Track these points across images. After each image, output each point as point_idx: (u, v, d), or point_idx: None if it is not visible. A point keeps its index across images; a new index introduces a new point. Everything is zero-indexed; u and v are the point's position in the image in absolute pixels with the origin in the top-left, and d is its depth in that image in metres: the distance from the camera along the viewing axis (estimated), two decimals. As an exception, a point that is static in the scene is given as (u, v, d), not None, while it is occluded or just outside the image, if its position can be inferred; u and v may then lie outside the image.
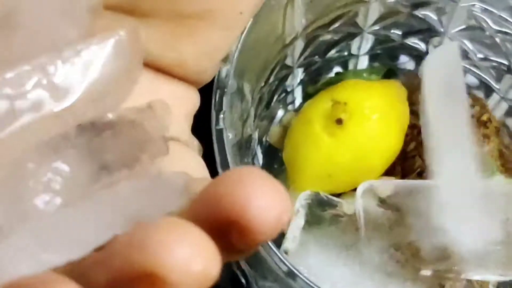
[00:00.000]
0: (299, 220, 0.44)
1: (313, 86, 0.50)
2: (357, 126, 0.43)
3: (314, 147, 0.43)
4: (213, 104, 0.35)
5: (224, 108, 0.35)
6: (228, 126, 0.36)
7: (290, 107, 0.50)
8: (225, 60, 0.36)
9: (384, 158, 0.43)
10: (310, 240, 0.44)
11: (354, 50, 0.48)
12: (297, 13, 0.41)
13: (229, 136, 0.36)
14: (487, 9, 0.43)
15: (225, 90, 0.36)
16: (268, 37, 0.41)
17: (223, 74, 0.36)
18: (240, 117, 0.40)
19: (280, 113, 0.49)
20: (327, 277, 0.43)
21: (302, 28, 0.43)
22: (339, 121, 0.42)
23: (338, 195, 0.45)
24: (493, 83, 0.47)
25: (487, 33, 0.44)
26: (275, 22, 0.40)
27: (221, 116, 0.35)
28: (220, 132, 0.35)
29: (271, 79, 0.44)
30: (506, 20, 0.43)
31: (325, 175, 0.43)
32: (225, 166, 0.35)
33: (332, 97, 0.43)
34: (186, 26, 0.32)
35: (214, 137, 0.35)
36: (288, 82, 0.47)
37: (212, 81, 0.36)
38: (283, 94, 0.48)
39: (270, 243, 0.34)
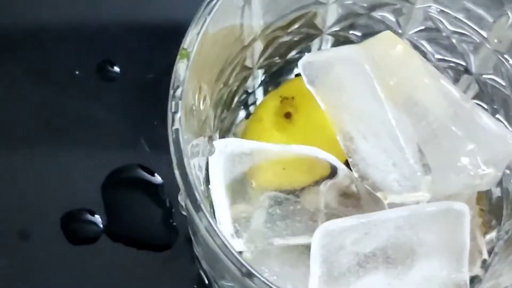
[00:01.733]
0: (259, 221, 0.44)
1: (274, 87, 0.50)
2: (304, 118, 0.45)
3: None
4: (169, 105, 0.36)
5: (180, 108, 0.35)
6: (185, 127, 0.36)
7: (251, 108, 0.50)
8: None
9: (333, 147, 0.43)
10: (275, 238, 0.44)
11: (314, 51, 0.49)
12: (255, 14, 0.41)
13: (186, 137, 0.36)
14: (443, 10, 0.44)
15: (182, 90, 0.36)
16: (226, 38, 0.41)
17: (180, 74, 0.36)
18: (199, 119, 0.40)
19: (241, 114, 0.49)
20: (288, 277, 0.43)
21: (261, 30, 0.43)
22: (288, 115, 0.45)
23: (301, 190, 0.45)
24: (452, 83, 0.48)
25: (444, 34, 0.45)
26: (233, 23, 0.40)
27: (178, 116, 0.35)
28: (176, 132, 0.35)
29: (231, 80, 0.44)
30: (462, 21, 0.44)
31: (280, 170, 0.43)
32: (182, 167, 0.35)
33: (280, 95, 0.46)
34: None
35: (170, 138, 0.35)
36: (248, 83, 0.47)
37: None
38: (244, 95, 0.48)
39: (227, 243, 0.34)
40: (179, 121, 0.35)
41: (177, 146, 0.35)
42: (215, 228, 0.35)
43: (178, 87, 0.36)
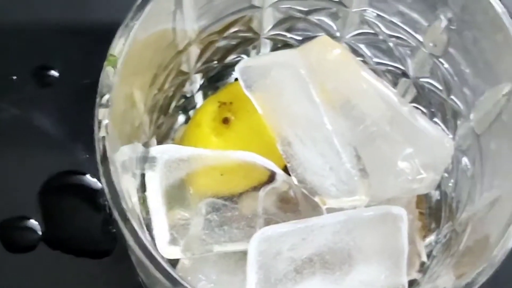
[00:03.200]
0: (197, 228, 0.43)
1: (214, 91, 0.50)
2: (242, 123, 0.45)
3: (204, 148, 0.44)
4: (96, 112, 0.35)
5: (107, 116, 0.35)
6: (115, 134, 0.36)
7: (191, 112, 0.49)
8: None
9: (270, 152, 0.43)
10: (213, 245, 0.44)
11: (252, 55, 0.48)
12: (188, 19, 0.41)
13: (115, 145, 0.36)
14: (378, 14, 0.44)
15: (109, 97, 0.35)
16: (159, 43, 0.40)
17: (107, 81, 0.35)
18: (132, 125, 0.40)
19: (181, 118, 0.49)
20: (226, 285, 0.43)
21: (196, 34, 0.43)
22: (226, 120, 0.45)
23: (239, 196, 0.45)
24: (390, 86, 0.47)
25: (381, 37, 0.45)
26: (165, 28, 0.40)
27: (104, 123, 0.35)
28: (103, 140, 0.35)
29: (167, 86, 0.44)
30: (397, 25, 0.44)
31: (217, 175, 0.43)
32: (108, 175, 0.34)
33: (219, 100, 0.45)
34: None
35: (96, 145, 0.35)
36: (186, 88, 0.47)
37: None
38: (182, 100, 0.48)
39: (155, 254, 0.34)
40: (105, 129, 0.35)
41: (103, 154, 0.35)
42: (142, 238, 0.34)
43: (104, 94, 0.35)
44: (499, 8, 0.37)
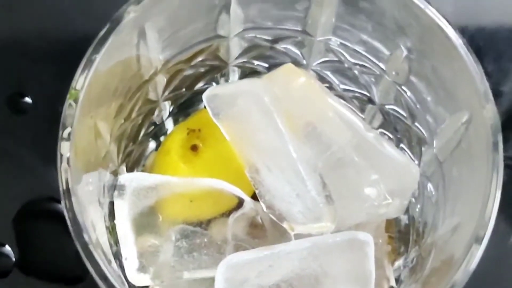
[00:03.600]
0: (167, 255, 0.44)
1: (184, 117, 0.50)
2: (211, 150, 0.45)
3: (173, 175, 0.44)
4: (58, 145, 0.35)
5: (69, 149, 0.35)
6: (78, 166, 0.36)
7: (162, 138, 0.50)
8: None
9: (239, 179, 0.43)
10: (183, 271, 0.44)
11: (221, 82, 0.49)
12: (153, 50, 0.41)
13: (80, 176, 0.36)
14: (342, 43, 0.44)
15: (70, 131, 0.36)
16: (123, 74, 0.41)
17: (68, 115, 0.36)
18: (97, 155, 0.40)
19: (152, 145, 0.49)
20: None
21: (162, 64, 0.43)
22: (194, 148, 0.45)
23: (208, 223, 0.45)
24: (358, 113, 0.48)
25: (346, 65, 0.46)
26: (129, 60, 0.40)
27: (66, 157, 0.35)
28: (65, 173, 0.35)
29: (134, 114, 0.44)
30: (361, 53, 0.44)
31: (186, 202, 0.43)
32: (71, 208, 0.35)
33: (188, 127, 0.46)
34: None
35: (59, 179, 0.35)
36: (155, 115, 0.47)
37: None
38: (152, 127, 0.48)
39: (116, 285, 0.34)
40: (67, 162, 0.35)
41: (66, 187, 0.35)
42: (105, 270, 0.34)
43: (66, 127, 0.36)
44: (455, 39, 0.38)
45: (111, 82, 0.40)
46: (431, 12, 0.38)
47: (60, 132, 0.36)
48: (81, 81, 0.36)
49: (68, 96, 0.36)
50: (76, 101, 0.36)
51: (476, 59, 0.38)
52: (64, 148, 0.35)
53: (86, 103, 0.37)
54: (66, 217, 0.35)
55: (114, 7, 0.39)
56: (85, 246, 0.34)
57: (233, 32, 0.44)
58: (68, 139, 0.35)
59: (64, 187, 0.35)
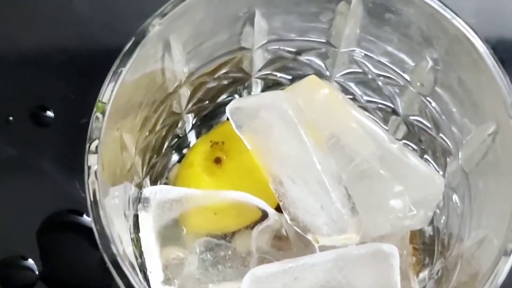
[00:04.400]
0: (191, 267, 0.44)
1: (207, 130, 0.50)
2: (234, 162, 0.45)
3: (196, 188, 0.44)
4: (85, 158, 0.36)
5: (96, 162, 0.35)
6: (105, 178, 0.36)
7: (185, 151, 0.50)
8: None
9: (263, 191, 0.43)
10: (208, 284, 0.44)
11: (244, 94, 0.49)
12: (178, 63, 0.41)
13: (107, 189, 0.36)
14: (366, 54, 0.44)
15: (98, 144, 0.36)
16: (147, 87, 0.41)
17: (95, 127, 0.36)
18: (122, 167, 0.40)
19: (174, 157, 0.49)
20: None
21: (186, 77, 0.43)
22: (218, 160, 0.45)
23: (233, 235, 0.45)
24: (382, 124, 0.48)
25: (370, 76, 0.46)
26: (154, 73, 0.40)
27: (94, 169, 0.35)
28: (93, 185, 0.35)
29: (158, 127, 0.44)
30: (385, 65, 0.44)
31: (211, 215, 0.43)
32: (98, 221, 0.35)
33: (211, 139, 0.46)
34: None
35: (86, 191, 0.35)
36: (178, 128, 0.47)
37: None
38: (175, 140, 0.48)
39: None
40: (95, 175, 0.35)
41: (94, 199, 0.35)
42: (132, 281, 0.34)
43: (93, 140, 0.36)
44: (481, 49, 0.38)
45: (137, 94, 0.40)
46: (459, 23, 0.38)
47: (87, 145, 0.36)
48: (108, 94, 0.37)
49: (94, 109, 0.37)
50: (103, 113, 0.36)
51: (503, 70, 0.38)
52: (92, 161, 0.36)
53: (113, 116, 0.37)
54: (94, 229, 0.35)
55: (136, 21, 0.40)
56: (113, 258, 0.34)
57: (256, 44, 0.44)
58: (96, 151, 0.36)
59: (92, 200, 0.35)
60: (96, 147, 0.36)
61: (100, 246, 0.35)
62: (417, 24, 0.40)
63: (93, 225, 0.35)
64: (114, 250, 0.35)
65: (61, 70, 0.56)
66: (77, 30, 0.57)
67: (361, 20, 0.42)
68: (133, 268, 0.37)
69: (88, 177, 0.35)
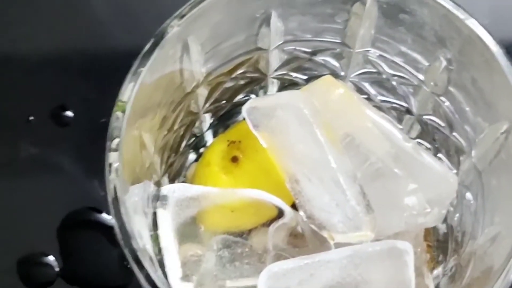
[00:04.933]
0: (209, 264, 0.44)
1: (224, 129, 0.51)
2: (251, 161, 0.46)
3: (214, 186, 0.45)
4: (106, 156, 0.36)
5: (117, 159, 0.36)
6: (125, 176, 0.37)
7: (202, 150, 0.51)
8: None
9: (279, 189, 0.44)
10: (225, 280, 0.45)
11: (260, 94, 0.49)
12: (196, 63, 0.42)
13: (127, 186, 0.37)
14: (381, 55, 0.45)
15: (118, 142, 0.37)
16: (167, 86, 0.42)
17: (116, 125, 0.37)
18: (142, 166, 0.41)
19: (192, 156, 0.50)
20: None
21: (203, 77, 0.44)
22: (235, 159, 0.46)
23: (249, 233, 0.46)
24: (396, 123, 0.49)
25: (384, 76, 0.46)
26: (172, 73, 0.41)
27: (115, 167, 0.36)
28: (113, 182, 0.36)
29: (176, 126, 0.45)
30: (399, 65, 0.45)
31: (228, 213, 0.44)
32: (119, 217, 0.36)
33: (228, 138, 0.47)
34: None
35: (107, 188, 0.36)
36: (196, 127, 0.48)
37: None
38: (193, 139, 0.49)
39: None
40: (116, 172, 0.36)
41: (114, 196, 0.36)
42: (153, 277, 0.35)
43: (114, 138, 0.37)
44: (494, 49, 0.38)
45: (156, 94, 0.40)
46: (472, 23, 0.39)
47: (108, 143, 0.37)
48: (128, 93, 0.37)
49: (115, 108, 0.37)
50: (123, 112, 0.37)
51: (516, 70, 0.38)
52: (113, 158, 0.36)
53: (132, 115, 0.37)
54: (115, 226, 0.36)
55: (153, 23, 0.40)
56: (134, 253, 0.35)
57: (273, 44, 0.45)
58: (116, 149, 0.36)
59: (113, 196, 0.36)
60: (117, 145, 0.36)
61: (121, 242, 0.36)
62: (431, 25, 0.41)
63: (114, 222, 0.36)
64: (135, 246, 0.35)
65: (80, 71, 0.57)
66: (96, 31, 0.58)
67: (376, 21, 0.43)
68: (153, 264, 0.38)
69: (109, 175, 0.36)
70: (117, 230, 0.36)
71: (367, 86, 0.48)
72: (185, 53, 0.41)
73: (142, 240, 0.37)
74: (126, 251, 0.36)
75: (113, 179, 0.36)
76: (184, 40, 0.40)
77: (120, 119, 0.37)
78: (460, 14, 0.39)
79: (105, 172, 0.36)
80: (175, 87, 0.42)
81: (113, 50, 0.57)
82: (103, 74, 0.56)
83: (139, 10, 0.59)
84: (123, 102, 0.37)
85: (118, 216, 0.36)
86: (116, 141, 0.37)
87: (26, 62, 0.57)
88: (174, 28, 0.39)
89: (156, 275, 0.36)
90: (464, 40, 0.40)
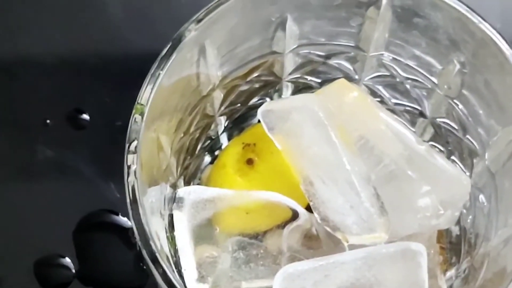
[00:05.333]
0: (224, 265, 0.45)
1: (238, 132, 0.51)
2: (266, 163, 0.46)
3: (229, 189, 0.45)
4: (125, 158, 0.37)
5: (135, 161, 0.37)
6: (143, 178, 0.38)
7: (217, 152, 0.51)
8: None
9: (293, 191, 0.44)
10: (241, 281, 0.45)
11: (275, 97, 0.50)
12: (212, 66, 0.43)
13: (145, 188, 0.38)
14: (395, 58, 0.45)
15: (137, 144, 0.37)
16: (184, 90, 0.42)
17: (135, 128, 0.37)
18: (158, 168, 0.42)
19: (207, 159, 0.51)
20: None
21: (219, 80, 0.44)
22: (250, 161, 0.46)
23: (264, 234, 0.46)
24: (409, 126, 0.49)
25: (398, 80, 0.47)
26: (189, 76, 0.42)
27: (133, 169, 0.37)
28: (132, 184, 0.37)
29: (192, 129, 0.45)
30: (413, 68, 0.45)
31: (243, 215, 0.44)
32: (137, 218, 0.36)
33: (243, 141, 0.47)
34: None
35: (126, 190, 0.37)
36: (211, 130, 0.48)
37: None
38: (208, 142, 0.49)
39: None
40: (134, 174, 0.37)
41: (133, 198, 0.36)
42: (171, 277, 0.36)
43: (133, 140, 0.37)
44: (507, 52, 0.39)
45: (173, 97, 0.41)
46: (485, 27, 0.39)
47: (127, 145, 0.37)
48: (146, 96, 0.38)
49: (133, 110, 0.38)
50: (141, 115, 0.37)
51: (529, 72, 0.39)
52: (131, 160, 0.37)
53: (150, 117, 0.38)
54: (133, 227, 0.36)
55: (169, 26, 0.41)
56: (152, 254, 0.36)
57: (288, 48, 0.45)
58: (135, 151, 0.37)
59: (131, 198, 0.36)
60: (135, 147, 0.37)
61: (139, 243, 0.36)
62: (445, 28, 0.41)
63: (132, 223, 0.36)
64: (153, 247, 0.36)
65: (96, 74, 0.57)
66: (112, 35, 0.59)
67: (390, 25, 0.43)
68: (170, 265, 0.38)
69: (128, 176, 0.37)
70: (135, 231, 0.36)
71: (380, 89, 0.48)
72: (201, 57, 0.41)
73: (159, 241, 0.38)
74: (144, 252, 0.36)
75: (131, 181, 0.37)
76: (201, 44, 0.41)
77: (138, 122, 0.37)
78: (473, 17, 0.40)
79: (124, 174, 0.37)
80: (191, 90, 0.43)
81: (129, 54, 0.58)
82: (119, 77, 0.57)
83: (155, 14, 0.59)
84: (142, 104, 0.38)
85: (137, 217, 0.36)
86: (134, 143, 0.37)
87: (43, 65, 0.58)
88: (191, 32, 0.40)
89: (174, 277, 0.36)
90: (478, 43, 0.40)
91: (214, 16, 0.40)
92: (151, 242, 0.36)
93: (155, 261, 0.36)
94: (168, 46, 0.39)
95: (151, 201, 0.40)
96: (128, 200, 0.37)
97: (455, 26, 0.41)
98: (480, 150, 0.44)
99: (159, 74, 0.38)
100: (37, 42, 0.58)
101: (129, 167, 0.37)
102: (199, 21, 0.40)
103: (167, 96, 0.40)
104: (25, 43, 0.58)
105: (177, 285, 0.36)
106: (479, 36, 0.40)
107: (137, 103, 0.38)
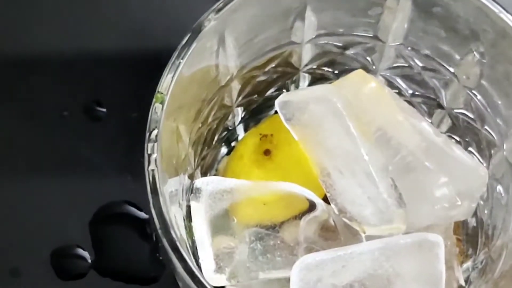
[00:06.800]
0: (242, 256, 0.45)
1: (255, 123, 0.51)
2: (283, 154, 0.46)
3: (246, 179, 0.45)
4: (145, 146, 0.37)
5: (156, 150, 0.37)
6: (162, 167, 0.38)
7: (234, 143, 0.51)
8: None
9: (311, 182, 0.44)
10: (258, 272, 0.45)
11: (292, 88, 0.50)
12: (230, 56, 0.43)
13: (163, 177, 0.38)
14: (413, 48, 0.45)
15: (158, 133, 0.37)
16: (202, 80, 0.42)
17: (155, 117, 0.37)
18: (178, 157, 0.42)
19: (223, 150, 0.51)
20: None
21: (237, 70, 0.45)
22: (267, 152, 0.46)
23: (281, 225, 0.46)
24: (426, 117, 0.49)
25: (415, 70, 0.46)
26: (208, 66, 0.42)
27: (154, 157, 0.37)
28: (153, 173, 0.37)
29: (210, 119, 0.46)
30: (431, 58, 0.45)
31: (260, 205, 0.44)
32: (158, 206, 0.36)
33: (260, 132, 0.47)
34: None
35: (146, 178, 0.37)
36: (228, 121, 0.49)
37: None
38: (225, 133, 0.49)
39: (204, 282, 0.36)
40: (154, 162, 0.37)
41: (153, 186, 0.37)
42: (191, 265, 0.36)
43: (153, 129, 0.37)
44: (529, 43, 0.39)
45: (192, 87, 0.41)
46: (506, 17, 0.39)
47: (147, 134, 0.37)
48: (166, 85, 0.38)
49: (154, 99, 0.38)
50: (162, 103, 0.38)
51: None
52: (151, 149, 0.37)
53: (170, 106, 0.38)
54: (153, 215, 0.36)
55: (187, 19, 0.41)
56: (173, 242, 0.36)
57: (306, 38, 0.45)
58: (155, 140, 0.37)
59: (152, 186, 0.37)
60: (156, 136, 0.37)
61: (159, 232, 0.36)
62: (464, 18, 0.41)
63: (152, 211, 0.36)
64: (173, 235, 0.36)
65: (113, 67, 0.58)
66: (129, 28, 0.59)
67: (409, 15, 0.43)
68: (189, 254, 0.38)
69: (148, 165, 0.37)
70: (155, 219, 0.36)
71: (398, 80, 0.48)
72: (221, 46, 0.41)
73: (179, 230, 0.38)
74: (165, 241, 0.36)
75: (151, 170, 0.37)
76: (221, 33, 0.41)
77: (158, 111, 0.38)
78: (493, 7, 0.40)
79: (144, 163, 0.37)
80: (210, 80, 0.43)
81: (145, 46, 0.58)
82: (135, 69, 0.57)
83: (172, 7, 0.59)
84: (162, 93, 0.38)
85: (157, 205, 0.36)
86: (155, 132, 0.37)
87: (61, 58, 0.58)
88: (211, 21, 0.40)
89: (193, 265, 0.36)
90: (497, 33, 0.40)
91: (233, 5, 0.40)
92: (171, 231, 0.36)
93: (176, 249, 0.36)
94: (188, 35, 0.39)
95: (170, 191, 0.40)
96: (148, 189, 0.37)
97: (475, 16, 0.41)
98: (498, 141, 0.44)
99: (179, 63, 0.38)
100: (55, 35, 0.59)
101: (149, 155, 0.37)
102: (219, 10, 0.40)
103: (186, 85, 0.40)
104: (44, 36, 0.59)
105: (197, 273, 0.36)
106: (499, 26, 0.40)
107: (158, 92, 0.38)
